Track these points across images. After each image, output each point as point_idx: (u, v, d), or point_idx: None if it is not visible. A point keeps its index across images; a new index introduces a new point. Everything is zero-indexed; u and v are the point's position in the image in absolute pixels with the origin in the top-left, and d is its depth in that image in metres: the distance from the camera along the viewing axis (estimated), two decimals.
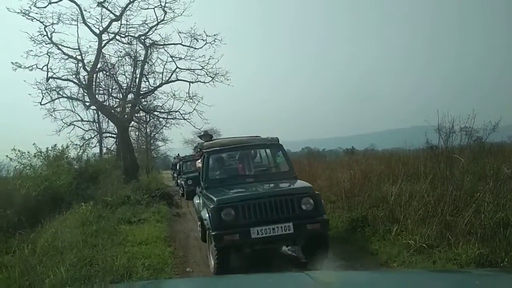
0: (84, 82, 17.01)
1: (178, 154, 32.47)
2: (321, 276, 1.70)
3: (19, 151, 13.87)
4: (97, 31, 16.72)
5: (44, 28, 15.96)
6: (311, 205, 5.44)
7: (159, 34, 17.66)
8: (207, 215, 5.55)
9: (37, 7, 15.56)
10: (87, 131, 21.85)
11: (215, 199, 5.52)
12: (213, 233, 5.31)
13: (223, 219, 5.28)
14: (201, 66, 17.76)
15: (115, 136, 22.36)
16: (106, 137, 23.97)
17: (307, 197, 5.48)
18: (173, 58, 17.94)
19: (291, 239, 5.59)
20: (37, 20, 15.74)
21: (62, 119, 18.48)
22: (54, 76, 16.69)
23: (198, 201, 7.38)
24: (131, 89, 19.04)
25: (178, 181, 19.49)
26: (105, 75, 19.24)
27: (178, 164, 21.09)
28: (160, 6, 16.77)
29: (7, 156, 13.38)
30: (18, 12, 15.44)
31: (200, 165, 7.36)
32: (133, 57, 18.58)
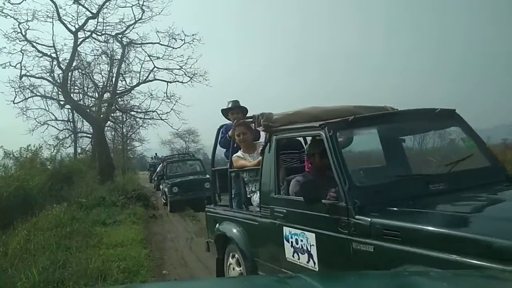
0: (58, 81, 16.71)
1: (156, 154, 32.17)
2: (299, 281, 1.48)
3: None
4: (73, 29, 16.46)
5: (18, 25, 15.66)
6: None
7: (137, 33, 17.56)
8: None
9: (11, 3, 15.27)
10: (61, 130, 21.36)
11: None
12: None
13: None
14: (179, 66, 17.72)
15: (90, 136, 21.99)
16: (81, 137, 23.57)
17: None
18: (151, 57, 17.85)
19: None
20: (11, 17, 15.44)
21: (35, 118, 18.12)
22: (27, 74, 16.37)
23: (236, 229, 3.98)
24: (108, 88, 18.80)
25: (161, 186, 16.46)
26: (80, 74, 18.97)
27: (161, 166, 18.35)
28: (138, 4, 16.70)
29: None
30: None
31: (242, 162, 4.04)
32: (109, 56, 18.38)
